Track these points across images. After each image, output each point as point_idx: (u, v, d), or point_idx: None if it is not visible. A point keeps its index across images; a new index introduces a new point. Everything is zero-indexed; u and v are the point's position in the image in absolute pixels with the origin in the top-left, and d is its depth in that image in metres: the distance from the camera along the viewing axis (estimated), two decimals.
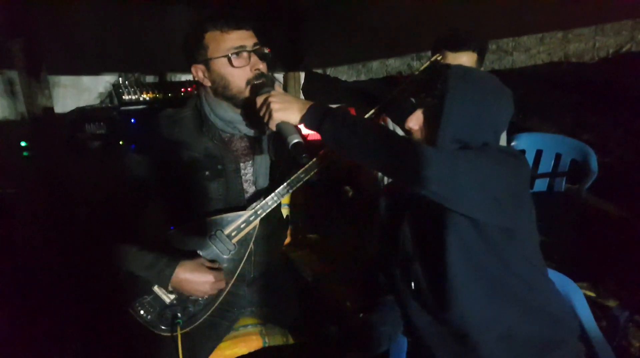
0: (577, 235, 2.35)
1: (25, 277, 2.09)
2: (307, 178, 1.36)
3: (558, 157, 2.61)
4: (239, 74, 1.32)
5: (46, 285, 2.06)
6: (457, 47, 1.73)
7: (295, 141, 1.15)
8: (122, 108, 2.46)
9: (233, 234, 1.35)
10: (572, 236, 2.39)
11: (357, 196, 2.07)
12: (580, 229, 2.35)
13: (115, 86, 2.59)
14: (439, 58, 1.37)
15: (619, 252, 2.32)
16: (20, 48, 2.22)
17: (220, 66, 1.32)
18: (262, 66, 1.35)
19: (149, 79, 2.89)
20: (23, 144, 2.32)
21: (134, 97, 2.51)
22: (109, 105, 2.60)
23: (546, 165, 2.65)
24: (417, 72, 1.36)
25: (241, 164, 1.46)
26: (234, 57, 1.30)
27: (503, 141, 2.18)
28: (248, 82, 1.32)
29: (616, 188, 2.70)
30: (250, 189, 1.48)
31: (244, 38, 1.32)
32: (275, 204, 1.37)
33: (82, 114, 2.42)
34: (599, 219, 2.61)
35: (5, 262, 2.13)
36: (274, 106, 1.17)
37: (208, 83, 1.36)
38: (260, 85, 1.29)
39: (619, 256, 2.30)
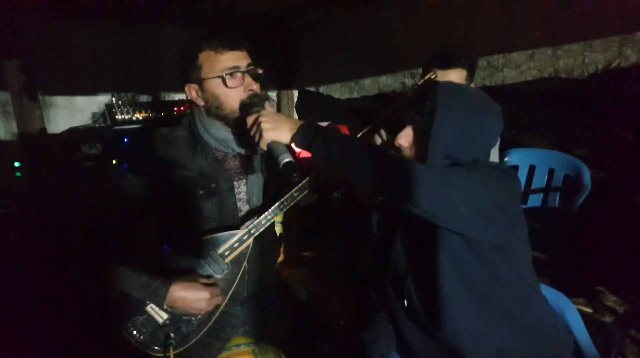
0: (571, 250, 2.36)
1: (18, 297, 2.07)
2: (300, 196, 1.36)
3: (551, 172, 2.62)
4: (232, 95, 1.32)
5: (38, 305, 2.04)
6: (446, 65, 1.75)
7: (286, 160, 1.15)
8: (115, 128, 2.47)
9: (226, 253, 1.34)
10: (566, 251, 2.39)
11: (350, 212, 2.06)
12: (574, 244, 2.35)
13: (108, 106, 2.60)
14: (432, 76, 1.39)
15: (614, 266, 2.32)
16: (13, 69, 2.23)
17: (214, 86, 1.33)
18: (256, 87, 1.36)
19: (142, 98, 2.91)
20: (16, 164, 2.31)
21: (127, 117, 2.52)
22: (102, 125, 2.61)
23: (539, 180, 2.66)
24: (410, 91, 1.38)
25: (235, 182, 1.46)
26: (227, 78, 1.31)
27: (495, 156, 2.19)
28: (241, 103, 1.33)
29: (609, 202, 2.72)
30: (243, 207, 1.48)
31: (237, 59, 1.33)
32: (269, 224, 1.37)
33: (75, 135, 2.42)
34: (593, 234, 2.62)
35: None
36: (264, 125, 1.17)
37: (201, 102, 1.37)
38: (250, 104, 1.29)
39: (614, 271, 2.30)
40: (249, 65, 1.35)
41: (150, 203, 1.39)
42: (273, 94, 3.79)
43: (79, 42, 2.70)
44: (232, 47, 1.33)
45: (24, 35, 2.35)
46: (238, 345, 1.53)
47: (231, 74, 1.32)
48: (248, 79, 1.34)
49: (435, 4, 2.40)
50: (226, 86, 1.31)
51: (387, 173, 1.05)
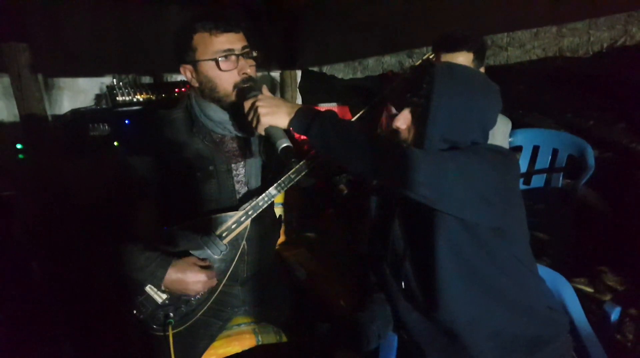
0: (574, 230, 2.35)
1: (23, 278, 2.10)
2: (297, 178, 1.36)
3: (555, 152, 2.60)
4: (226, 78, 1.32)
5: (43, 285, 2.07)
6: (452, 48, 1.72)
7: (284, 145, 1.15)
8: (116, 109, 2.47)
9: (224, 235, 1.36)
10: (569, 231, 2.38)
11: (351, 194, 2.07)
12: (577, 224, 2.35)
13: (110, 88, 2.60)
14: (431, 57, 1.37)
15: (615, 247, 2.32)
16: (13, 51, 2.23)
17: (208, 68, 1.32)
18: (250, 70, 1.35)
19: (144, 80, 2.90)
20: (18, 146, 2.33)
21: (127, 99, 2.51)
22: (103, 106, 2.61)
23: (543, 161, 2.64)
24: (407, 72, 1.36)
25: (233, 164, 1.46)
26: (221, 61, 1.30)
27: (506, 140, 2.16)
28: (235, 86, 1.32)
29: (614, 182, 2.69)
30: (242, 189, 1.49)
31: (232, 41, 1.32)
32: (266, 205, 1.38)
33: (77, 116, 2.43)
34: (596, 214, 2.60)
35: (3, 263, 2.15)
36: (261, 110, 1.16)
37: (196, 84, 1.37)
38: (247, 89, 1.28)
39: (616, 251, 2.30)
40: (244, 47, 1.34)
41: (149, 185, 1.40)
42: (276, 75, 3.76)
43: (80, 23, 2.69)
44: (227, 29, 1.31)
45: (24, 17, 2.34)
46: (239, 325, 1.56)
47: (225, 57, 1.31)
48: (242, 62, 1.33)
49: None
50: (220, 68, 1.30)
51: (384, 158, 1.05)
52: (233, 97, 1.33)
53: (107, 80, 2.77)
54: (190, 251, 1.35)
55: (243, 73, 1.32)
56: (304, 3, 3.32)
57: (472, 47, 1.75)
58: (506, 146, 2.18)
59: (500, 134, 2.08)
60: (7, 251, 2.18)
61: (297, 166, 1.34)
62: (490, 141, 1.22)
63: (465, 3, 2.31)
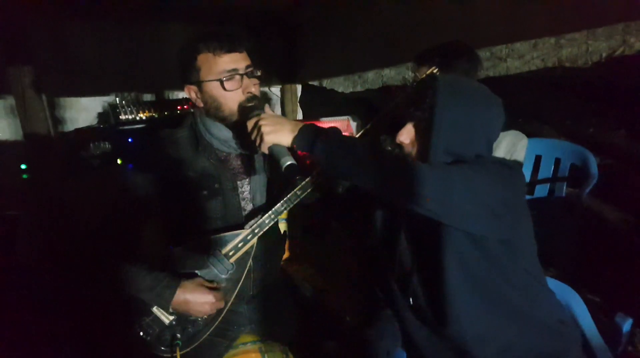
0: (579, 240, 2.34)
1: (27, 298, 2.09)
2: (303, 195, 1.36)
3: (557, 162, 2.60)
4: (231, 97, 1.33)
5: (47, 306, 2.06)
6: (419, 62, 1.71)
7: (288, 163, 1.14)
8: (120, 127, 2.48)
9: (231, 253, 1.35)
10: (575, 241, 2.37)
11: (355, 208, 2.06)
12: (582, 233, 2.33)
13: (112, 106, 2.62)
14: (434, 71, 1.37)
15: (622, 256, 2.30)
16: (18, 71, 2.25)
17: (213, 88, 1.33)
18: (255, 89, 1.36)
19: (146, 97, 2.92)
20: (23, 166, 2.33)
21: (130, 117, 2.53)
22: (106, 125, 2.62)
23: (546, 170, 2.64)
24: (411, 86, 1.36)
25: (238, 182, 1.46)
26: (226, 81, 1.31)
27: (522, 152, 2.15)
28: (240, 105, 1.33)
29: (617, 190, 2.69)
30: (248, 206, 1.49)
31: (236, 61, 1.33)
32: (273, 223, 1.37)
33: (80, 135, 2.44)
34: (601, 223, 2.59)
35: (7, 283, 2.14)
36: (265, 129, 1.17)
37: (201, 104, 1.38)
38: (250, 108, 1.29)
39: (622, 260, 2.28)
40: (247, 67, 1.35)
41: (155, 204, 1.40)
42: (276, 89, 3.78)
43: (83, 43, 2.72)
44: (231, 49, 1.32)
45: (28, 37, 2.36)
46: (245, 343, 1.54)
47: (230, 77, 1.32)
48: (247, 81, 1.34)
49: None
50: (224, 88, 1.31)
51: (389, 174, 1.04)
52: (238, 116, 1.34)
53: (110, 98, 2.79)
54: (197, 272, 1.34)
55: (247, 92, 1.33)
56: (304, 17, 3.35)
57: (438, 63, 1.71)
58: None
59: (521, 148, 2.08)
60: (12, 271, 2.17)
61: (303, 184, 1.33)
62: (512, 157, 1.22)
63: (465, 16, 2.33)
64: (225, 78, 1.31)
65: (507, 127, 1.92)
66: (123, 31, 2.79)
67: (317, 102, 3.74)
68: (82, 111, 2.80)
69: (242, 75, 1.33)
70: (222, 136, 1.40)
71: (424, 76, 1.32)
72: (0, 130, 2.56)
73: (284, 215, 1.96)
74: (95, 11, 2.49)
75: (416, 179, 1.00)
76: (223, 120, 1.37)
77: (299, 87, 3.79)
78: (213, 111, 1.36)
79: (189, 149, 1.41)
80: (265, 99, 3.69)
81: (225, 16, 2.84)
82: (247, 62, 1.36)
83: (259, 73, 1.38)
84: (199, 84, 1.34)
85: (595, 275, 2.21)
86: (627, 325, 1.36)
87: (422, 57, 1.71)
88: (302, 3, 2.97)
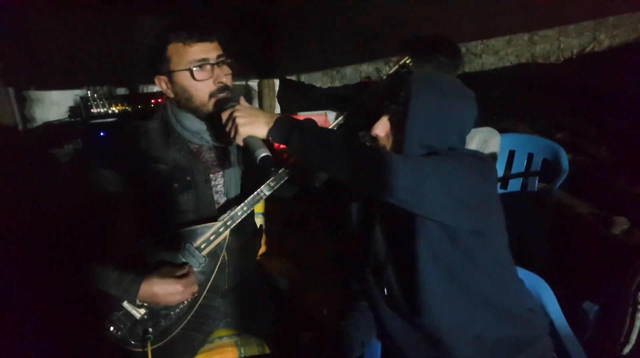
0: (550, 233, 2.39)
1: None
2: (276, 186, 1.35)
3: (530, 157, 2.65)
4: (202, 87, 1.31)
5: (16, 302, 2.01)
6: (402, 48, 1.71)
7: (263, 154, 1.14)
8: (91, 121, 2.43)
9: (203, 246, 1.33)
10: (546, 234, 2.43)
11: (331, 202, 2.07)
12: (552, 227, 2.39)
13: (84, 99, 2.55)
14: (407, 61, 1.37)
15: (590, 247, 2.37)
16: None
17: (183, 78, 1.31)
18: (226, 79, 1.34)
19: (120, 91, 2.86)
20: None
21: (102, 111, 2.47)
22: (77, 119, 2.56)
23: (519, 165, 2.69)
24: (384, 78, 1.37)
25: (211, 175, 1.45)
26: (196, 70, 1.29)
27: (497, 146, 2.18)
28: (211, 95, 1.31)
29: (587, 185, 2.76)
30: (221, 200, 1.47)
31: (207, 51, 1.31)
32: (245, 215, 1.36)
33: (50, 130, 2.38)
34: (571, 216, 2.66)
35: None
36: (239, 120, 1.15)
37: (171, 95, 1.36)
38: (224, 100, 1.28)
39: (590, 251, 2.35)
40: (219, 56, 1.33)
41: (126, 198, 1.37)
42: (254, 84, 3.76)
43: (52, 35, 2.64)
44: (201, 38, 1.30)
45: None
46: (220, 337, 1.54)
47: (200, 67, 1.30)
48: (218, 71, 1.32)
49: None
50: (194, 78, 1.30)
51: (363, 165, 1.05)
52: (210, 107, 1.32)
53: (81, 92, 2.72)
54: None
55: (219, 82, 1.31)
56: (282, 12, 3.33)
57: (417, 51, 1.73)
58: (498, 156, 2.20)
59: (494, 145, 2.11)
60: None
61: (277, 175, 1.33)
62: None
63: (441, 11, 2.35)
64: (196, 68, 1.29)
65: (481, 123, 1.96)
66: (95, 23, 2.72)
67: (296, 98, 3.73)
68: (53, 105, 2.72)
69: (212, 65, 1.31)
70: (193, 127, 1.38)
71: (397, 65, 1.33)
72: None
73: (260, 209, 1.95)
74: (65, 1, 2.42)
75: (389, 170, 1.00)
76: (195, 111, 1.35)
77: (277, 82, 3.77)
78: (184, 102, 1.34)
79: (160, 141, 1.39)
80: (245, 92, 3.66)
81: (201, 9, 2.81)
82: (219, 52, 1.34)
83: (231, 63, 1.36)
84: (169, 74, 1.32)
85: (564, 265, 2.27)
86: (593, 313, 1.40)
87: (404, 44, 1.71)
88: None
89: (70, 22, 2.64)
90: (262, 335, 1.54)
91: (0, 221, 2.13)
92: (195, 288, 1.33)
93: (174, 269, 1.30)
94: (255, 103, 3.74)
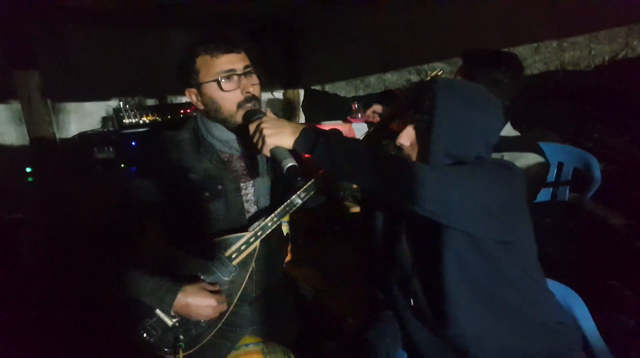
0: (581, 244, 2.33)
1: (31, 301, 2.10)
2: (306, 198, 1.36)
3: (560, 166, 2.59)
4: (229, 98, 1.33)
5: (52, 309, 2.07)
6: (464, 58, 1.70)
7: (289, 165, 1.15)
8: (123, 131, 2.50)
9: (234, 256, 1.36)
10: (577, 245, 2.36)
11: (357, 211, 2.07)
12: (584, 238, 2.33)
13: (116, 110, 2.64)
14: (439, 73, 1.38)
15: (624, 260, 2.29)
16: (25, 77, 2.28)
17: (211, 90, 1.34)
18: (253, 89, 1.36)
19: (150, 102, 2.95)
20: (28, 170, 2.36)
21: (134, 121, 2.55)
22: (110, 129, 2.65)
23: (549, 174, 2.63)
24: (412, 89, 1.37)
25: (241, 184, 1.47)
26: (223, 82, 1.32)
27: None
28: (239, 106, 1.34)
29: (620, 196, 2.68)
30: (251, 208, 1.49)
31: (233, 62, 1.34)
32: (276, 226, 1.38)
33: (84, 139, 2.46)
34: (604, 228, 2.58)
35: (11, 287, 2.15)
36: (266, 131, 1.17)
37: (201, 106, 1.39)
38: (251, 112, 1.30)
39: (624, 264, 2.27)
40: (246, 67, 1.36)
41: (158, 207, 1.41)
42: (279, 94, 3.80)
43: (87, 48, 2.75)
44: (228, 50, 1.33)
45: (33, 43, 2.39)
46: (247, 345, 1.55)
47: (227, 78, 1.33)
48: (245, 81, 1.35)
49: None
50: (222, 89, 1.32)
51: (389, 175, 1.05)
52: (238, 118, 1.35)
53: (114, 103, 2.81)
54: (200, 275, 1.35)
55: (246, 92, 1.34)
56: (306, 22, 3.37)
57: (473, 63, 1.73)
58: None
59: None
60: (16, 274, 2.19)
61: (306, 186, 1.34)
62: None
63: (467, 20, 2.34)
64: (223, 79, 1.32)
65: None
66: (126, 37, 2.82)
67: (320, 107, 3.75)
68: (86, 116, 2.82)
69: (239, 75, 1.34)
70: (223, 137, 1.41)
71: (428, 78, 1.33)
72: (6, 134, 2.59)
73: (286, 218, 1.97)
74: (99, 17, 2.52)
75: (416, 180, 1.00)
76: (224, 122, 1.38)
77: (302, 92, 3.81)
78: (213, 113, 1.37)
79: (191, 151, 1.42)
80: (271, 104, 3.71)
81: (228, 22, 2.87)
82: (245, 62, 1.37)
83: (258, 73, 1.39)
84: (198, 86, 1.35)
85: (597, 278, 2.20)
86: (629, 327, 1.36)
87: (466, 54, 1.70)
88: (303, 8, 2.99)
89: (104, 37, 2.75)
90: (287, 343, 1.54)
91: (39, 227, 2.21)
92: (225, 307, 1.35)
93: (207, 284, 1.33)
94: (281, 114, 3.78)
